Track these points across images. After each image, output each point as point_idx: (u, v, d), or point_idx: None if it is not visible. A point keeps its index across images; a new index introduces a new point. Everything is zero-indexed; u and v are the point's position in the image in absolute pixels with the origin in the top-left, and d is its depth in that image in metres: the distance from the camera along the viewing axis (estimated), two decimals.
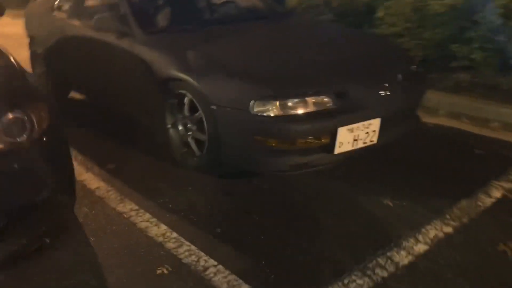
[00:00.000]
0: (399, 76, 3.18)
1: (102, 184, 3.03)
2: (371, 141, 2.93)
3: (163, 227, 2.52)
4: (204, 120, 2.95)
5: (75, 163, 3.29)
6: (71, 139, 3.79)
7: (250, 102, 2.71)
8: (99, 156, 3.46)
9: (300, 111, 2.72)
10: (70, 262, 2.27)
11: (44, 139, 2.14)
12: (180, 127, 3.22)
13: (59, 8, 4.56)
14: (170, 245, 2.36)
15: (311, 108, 2.74)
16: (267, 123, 2.70)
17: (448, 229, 2.47)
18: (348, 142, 2.83)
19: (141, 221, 2.58)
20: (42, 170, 2.13)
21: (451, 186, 2.93)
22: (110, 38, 3.61)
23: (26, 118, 2.06)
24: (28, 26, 5.14)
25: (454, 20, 4.45)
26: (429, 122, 4.02)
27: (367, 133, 2.88)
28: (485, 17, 4.38)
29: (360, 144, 2.89)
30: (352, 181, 3.02)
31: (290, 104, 2.71)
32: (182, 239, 2.40)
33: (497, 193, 2.82)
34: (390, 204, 2.74)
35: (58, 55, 4.56)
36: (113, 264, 2.25)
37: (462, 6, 4.44)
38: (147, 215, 2.64)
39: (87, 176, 3.15)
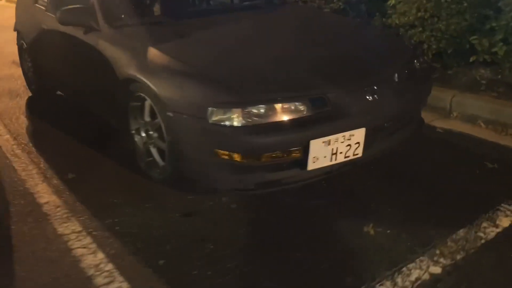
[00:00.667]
0: (395, 75, 2.73)
1: (52, 198, 2.72)
2: (355, 154, 2.49)
3: (100, 255, 2.18)
4: (162, 127, 2.59)
5: (35, 171, 3.08)
6: (41, 142, 3.61)
7: (207, 109, 2.32)
8: (64, 163, 3.17)
9: (267, 120, 2.32)
10: None
11: None
12: (143, 134, 2.88)
13: None
14: (99, 280, 2.02)
15: (281, 117, 2.34)
16: (227, 135, 2.31)
17: (436, 270, 2.02)
18: (325, 157, 2.40)
19: (78, 247, 2.26)
20: None
21: (450, 211, 2.46)
22: (78, 32, 3.29)
23: None
24: (16, 19, 4.90)
25: (473, 8, 3.87)
26: (439, 127, 3.52)
27: (349, 145, 2.44)
28: (510, 4, 3.79)
29: (341, 159, 2.46)
30: (332, 202, 2.59)
31: (255, 112, 2.31)
32: (116, 274, 2.05)
33: (505, 221, 2.33)
34: (371, 232, 2.30)
35: (39, 50, 4.29)
36: None
37: None
38: (87, 240, 2.31)
39: (41, 188, 2.85)
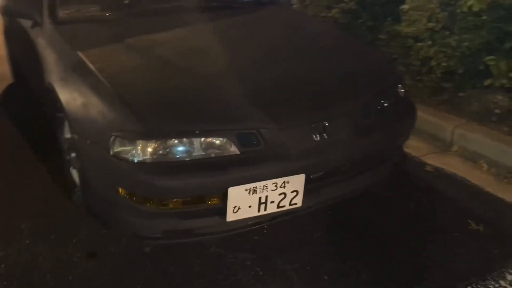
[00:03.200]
0: (363, 109, 2.21)
1: None
2: (292, 204, 2.02)
3: None
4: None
5: None
6: None
7: (110, 138, 1.90)
8: None
9: (179, 157, 1.88)
10: None
11: None
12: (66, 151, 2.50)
13: None
14: None
15: (197, 155, 1.89)
16: (126, 171, 1.89)
17: None
18: (250, 206, 1.95)
19: None
20: None
21: None
22: (27, 24, 2.95)
23: None
24: None
25: (493, 23, 3.23)
26: (430, 164, 2.95)
27: (283, 194, 1.98)
28: None
29: (273, 209, 2.00)
30: (260, 257, 2.13)
31: (165, 146, 1.88)
32: None
33: None
34: None
35: (9, 40, 4.00)
36: None
37: (509, 5, 3.20)
38: None
39: None
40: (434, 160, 2.99)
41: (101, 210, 2.14)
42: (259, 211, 1.98)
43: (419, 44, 3.60)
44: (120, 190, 1.96)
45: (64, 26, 2.68)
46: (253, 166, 1.91)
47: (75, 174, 2.43)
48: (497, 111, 3.29)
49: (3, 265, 2.06)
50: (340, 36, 3.26)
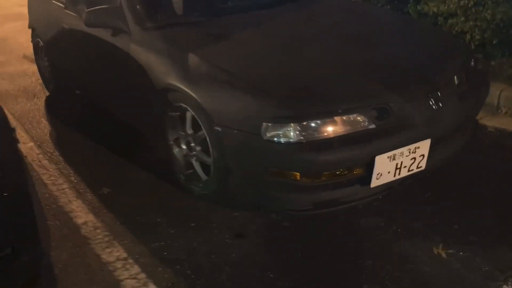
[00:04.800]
0: (455, 79, 2.51)
1: (90, 218, 2.54)
2: (419, 167, 2.29)
3: None
4: (208, 141, 2.39)
5: (66, 186, 2.90)
6: (68, 150, 3.42)
7: (261, 124, 2.11)
8: (95, 175, 2.99)
9: (328, 135, 2.11)
10: None
11: None
12: (184, 146, 2.68)
13: None
14: None
15: (341, 131, 2.13)
16: (284, 152, 2.11)
17: None
18: (389, 172, 2.21)
19: (127, 278, 2.08)
20: None
21: None
22: (105, 34, 3.07)
23: None
24: (30, 15, 4.65)
25: None
26: (489, 125, 3.30)
27: (414, 158, 2.25)
28: None
29: (404, 173, 2.27)
30: (390, 220, 2.39)
31: (313, 126, 2.11)
32: None
33: None
34: (443, 254, 2.12)
35: (57, 49, 4.07)
36: None
37: None
38: (136, 269, 2.13)
39: (75, 206, 2.66)
40: (491, 122, 3.34)
41: (249, 192, 2.35)
42: (394, 176, 2.24)
43: (453, 20, 3.94)
44: (272, 171, 2.18)
45: (153, 32, 2.84)
46: (391, 136, 2.17)
47: (197, 166, 2.62)
48: None
49: (166, 252, 2.24)
50: (405, 18, 3.56)
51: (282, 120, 2.10)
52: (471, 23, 3.83)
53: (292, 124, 2.09)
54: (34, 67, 4.99)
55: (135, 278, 2.08)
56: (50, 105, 4.39)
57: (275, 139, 2.10)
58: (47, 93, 4.64)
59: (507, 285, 1.92)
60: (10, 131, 1.98)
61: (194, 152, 2.60)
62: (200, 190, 2.59)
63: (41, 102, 4.45)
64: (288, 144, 2.09)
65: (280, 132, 2.10)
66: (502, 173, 2.74)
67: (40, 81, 4.80)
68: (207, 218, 2.49)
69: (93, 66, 3.46)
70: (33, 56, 4.88)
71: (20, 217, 1.79)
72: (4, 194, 1.72)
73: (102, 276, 2.11)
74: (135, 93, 2.93)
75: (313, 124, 2.10)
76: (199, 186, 2.60)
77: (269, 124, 2.10)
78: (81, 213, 2.59)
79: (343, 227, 2.37)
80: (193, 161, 2.63)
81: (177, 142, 2.71)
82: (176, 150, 2.72)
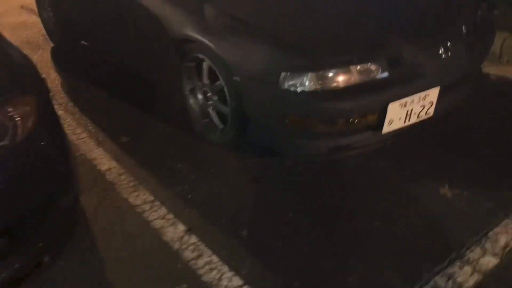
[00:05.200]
0: (463, 28, 2.59)
1: (113, 165, 2.67)
2: (427, 114, 2.42)
3: (181, 227, 2.17)
4: (226, 91, 2.49)
5: (85, 135, 3.01)
6: (81, 101, 3.50)
7: (280, 74, 2.21)
8: (112, 125, 3.09)
9: (344, 84, 2.21)
10: (73, 278, 1.96)
11: (32, 139, 1.77)
12: (200, 96, 2.77)
13: None
14: (188, 254, 2.02)
15: (356, 80, 2.23)
16: (302, 101, 2.22)
17: None
18: (400, 119, 2.34)
19: (156, 219, 2.24)
20: (31, 176, 1.77)
21: None
22: None
23: (7, 120, 1.69)
24: None
25: None
26: (491, 74, 3.41)
27: (423, 106, 2.37)
28: None
29: (413, 120, 2.40)
30: (399, 163, 2.55)
31: (330, 75, 2.20)
32: (202, 246, 2.05)
33: None
34: (448, 194, 2.29)
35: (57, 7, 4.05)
36: (120, 280, 1.94)
37: None
38: (163, 210, 2.29)
39: (97, 154, 2.79)
40: (493, 70, 3.45)
41: (266, 139, 2.48)
42: (404, 122, 2.37)
43: None
44: (290, 118, 2.30)
45: None
46: (403, 84, 2.28)
47: (214, 115, 2.73)
48: None
49: (190, 195, 2.39)
50: None
51: (300, 69, 2.19)
52: None
53: (310, 73, 2.18)
54: (33, 18, 4.96)
55: (164, 218, 2.24)
56: (57, 56, 4.41)
57: (293, 88, 2.21)
58: (52, 45, 4.64)
59: (508, 219, 2.10)
60: (43, 81, 2.05)
61: (210, 102, 2.70)
62: (217, 138, 2.71)
63: (47, 54, 4.46)
64: (306, 92, 2.19)
65: (298, 81, 2.20)
66: (503, 119, 2.89)
67: (43, 32, 4.78)
68: (225, 164, 2.63)
69: (103, 16, 3.47)
70: (31, 7, 4.83)
71: (57, 163, 1.90)
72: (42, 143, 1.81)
73: (131, 217, 2.26)
74: (149, 44, 2.99)
75: (330, 74, 2.20)
76: (216, 134, 2.72)
77: (288, 74, 2.20)
78: (104, 160, 2.72)
79: (355, 171, 2.53)
80: (210, 110, 2.73)
81: (193, 92, 2.80)
82: (191, 100, 2.82)
